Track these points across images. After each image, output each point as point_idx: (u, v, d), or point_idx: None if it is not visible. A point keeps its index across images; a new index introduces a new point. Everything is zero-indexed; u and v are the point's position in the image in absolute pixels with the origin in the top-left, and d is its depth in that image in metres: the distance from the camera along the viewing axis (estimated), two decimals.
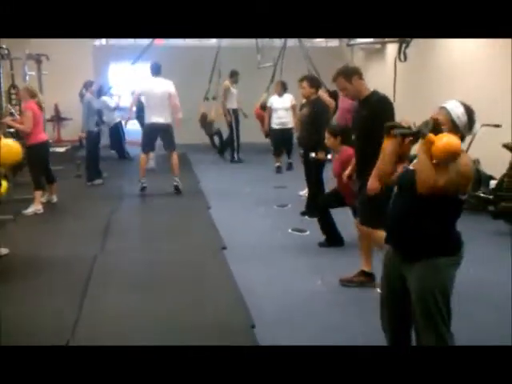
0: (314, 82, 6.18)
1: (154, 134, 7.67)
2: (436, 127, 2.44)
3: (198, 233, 5.84)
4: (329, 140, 4.98)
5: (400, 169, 2.62)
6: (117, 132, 10.26)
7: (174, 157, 7.65)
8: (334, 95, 7.69)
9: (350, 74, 3.99)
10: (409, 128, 2.55)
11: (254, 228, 6.02)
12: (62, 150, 11.31)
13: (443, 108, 2.52)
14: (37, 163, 6.69)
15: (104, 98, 9.55)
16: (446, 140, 2.37)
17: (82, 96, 9.08)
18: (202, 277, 4.55)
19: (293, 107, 8.84)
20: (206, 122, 11.40)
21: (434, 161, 2.39)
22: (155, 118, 7.49)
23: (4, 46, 7.43)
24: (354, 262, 4.43)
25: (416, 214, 2.52)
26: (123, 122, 9.66)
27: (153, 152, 8.55)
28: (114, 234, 5.81)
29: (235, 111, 10.26)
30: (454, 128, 2.47)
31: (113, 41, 13.28)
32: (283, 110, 8.94)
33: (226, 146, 10.61)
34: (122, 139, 10.64)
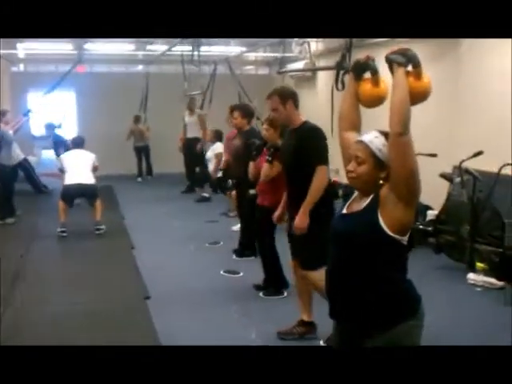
0: (247, 112, 5.74)
1: (76, 194, 7.09)
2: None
3: (117, 280, 5.22)
4: (268, 131, 4.49)
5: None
6: (24, 169, 9.29)
7: (97, 204, 7.08)
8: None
9: (286, 96, 3.71)
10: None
11: (182, 271, 5.50)
12: None
13: (360, 142, 2.13)
14: None
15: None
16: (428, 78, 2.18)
17: None
18: (118, 334, 3.96)
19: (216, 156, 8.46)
20: (136, 130, 11.05)
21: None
22: (77, 178, 6.95)
23: None
24: (295, 309, 3.99)
25: (357, 273, 2.10)
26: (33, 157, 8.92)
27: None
28: (23, 283, 5.13)
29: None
30: (378, 164, 2.08)
31: (32, 67, 12.56)
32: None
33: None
34: (33, 175, 9.75)
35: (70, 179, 6.96)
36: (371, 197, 2.10)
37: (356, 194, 2.22)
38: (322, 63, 9.78)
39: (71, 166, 7.06)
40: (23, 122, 9.04)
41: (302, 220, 3.54)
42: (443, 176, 5.71)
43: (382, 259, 2.08)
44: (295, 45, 11.01)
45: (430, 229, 5.68)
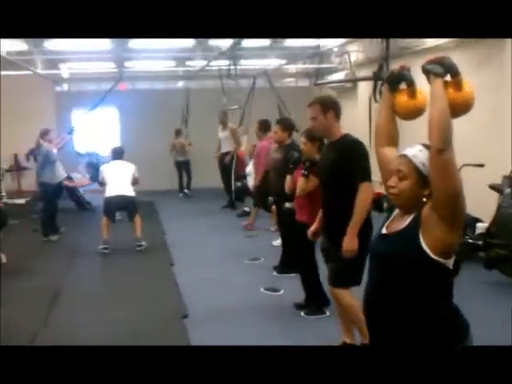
0: (288, 125, 5.59)
1: (117, 206, 7.12)
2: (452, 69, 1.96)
3: (156, 298, 5.15)
4: (305, 145, 4.33)
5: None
6: (67, 187, 9.49)
7: (137, 220, 7.05)
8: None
9: (327, 105, 3.57)
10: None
11: (221, 288, 5.40)
12: (22, 201, 10.65)
13: (403, 156, 1.99)
14: None
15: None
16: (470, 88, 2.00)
17: (38, 146, 8.38)
18: None
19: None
20: (177, 143, 11.02)
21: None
22: (117, 190, 6.95)
23: None
24: (338, 329, 3.82)
25: (396, 296, 1.97)
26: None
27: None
28: (63, 301, 5.15)
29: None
30: (421, 179, 1.94)
31: (75, 87, 12.82)
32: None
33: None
34: (76, 191, 10.01)
35: (111, 191, 6.96)
36: (412, 216, 1.96)
37: (396, 211, 2.08)
38: (362, 73, 9.60)
39: (112, 178, 7.05)
40: (67, 140, 9.20)
41: (351, 242, 3.38)
42: (492, 187, 5.46)
43: (424, 282, 1.93)
44: (335, 56, 10.87)
45: (479, 242, 5.41)
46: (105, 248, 6.85)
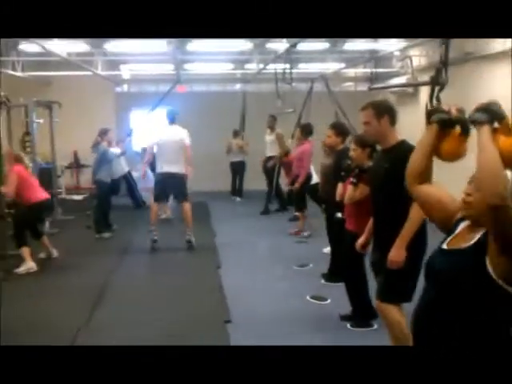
0: (341, 130, 5.39)
1: (167, 184, 7.06)
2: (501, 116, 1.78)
3: (200, 301, 5.08)
4: (355, 151, 4.15)
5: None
6: (127, 182, 9.78)
7: (187, 206, 7.01)
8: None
9: (382, 110, 3.35)
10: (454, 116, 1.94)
11: (266, 294, 5.28)
12: (79, 197, 10.94)
13: None
14: (24, 223, 6.20)
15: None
16: None
17: (97, 144, 8.54)
18: None
19: None
20: (233, 144, 11.09)
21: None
22: (167, 167, 6.90)
23: (2, 94, 7.03)
24: (386, 344, 3.62)
25: (450, 317, 1.81)
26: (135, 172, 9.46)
27: (167, 202, 8.23)
28: (108, 298, 5.17)
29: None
30: None
31: (135, 88, 13.07)
32: None
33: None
34: (134, 189, 10.15)
35: (161, 167, 6.90)
36: (481, 233, 1.80)
37: (462, 226, 1.91)
38: (424, 78, 9.29)
39: (163, 151, 6.90)
40: (127, 142, 9.41)
41: (398, 253, 3.19)
42: None
43: (483, 308, 1.77)
44: (396, 60, 10.61)
45: None
46: (152, 232, 6.89)
